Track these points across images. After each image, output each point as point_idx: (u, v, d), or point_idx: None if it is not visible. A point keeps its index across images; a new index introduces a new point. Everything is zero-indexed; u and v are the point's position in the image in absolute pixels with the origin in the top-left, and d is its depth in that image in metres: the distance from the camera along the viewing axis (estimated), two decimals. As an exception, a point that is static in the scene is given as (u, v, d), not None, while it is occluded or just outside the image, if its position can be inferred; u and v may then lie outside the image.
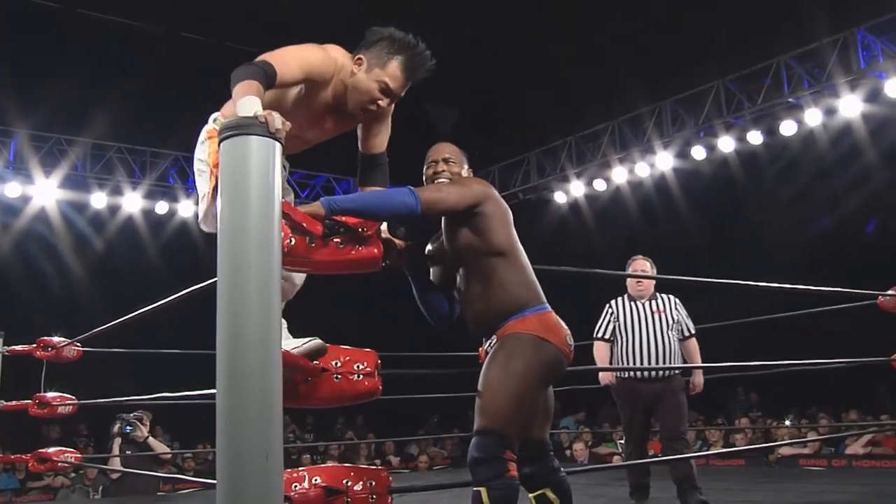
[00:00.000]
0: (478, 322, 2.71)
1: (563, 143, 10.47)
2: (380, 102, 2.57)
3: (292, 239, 2.45)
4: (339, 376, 2.46)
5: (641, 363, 4.66)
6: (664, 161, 9.22)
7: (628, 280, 4.86)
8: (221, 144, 2.01)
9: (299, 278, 2.78)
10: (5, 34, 8.23)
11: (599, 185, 10.05)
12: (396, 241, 2.65)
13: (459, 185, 2.65)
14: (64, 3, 8.54)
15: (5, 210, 9.03)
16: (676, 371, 4.64)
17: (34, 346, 4.52)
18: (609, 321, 4.86)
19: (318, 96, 2.58)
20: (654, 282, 4.84)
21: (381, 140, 2.77)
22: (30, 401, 4.42)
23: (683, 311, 4.79)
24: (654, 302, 4.78)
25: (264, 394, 1.93)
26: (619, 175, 9.71)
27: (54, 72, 8.15)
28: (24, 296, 8.93)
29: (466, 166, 2.81)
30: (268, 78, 2.32)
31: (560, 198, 10.62)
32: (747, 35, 8.32)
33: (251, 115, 2.01)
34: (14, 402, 4.61)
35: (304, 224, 2.31)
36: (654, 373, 4.64)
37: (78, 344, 4.54)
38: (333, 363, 2.47)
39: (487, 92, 11.21)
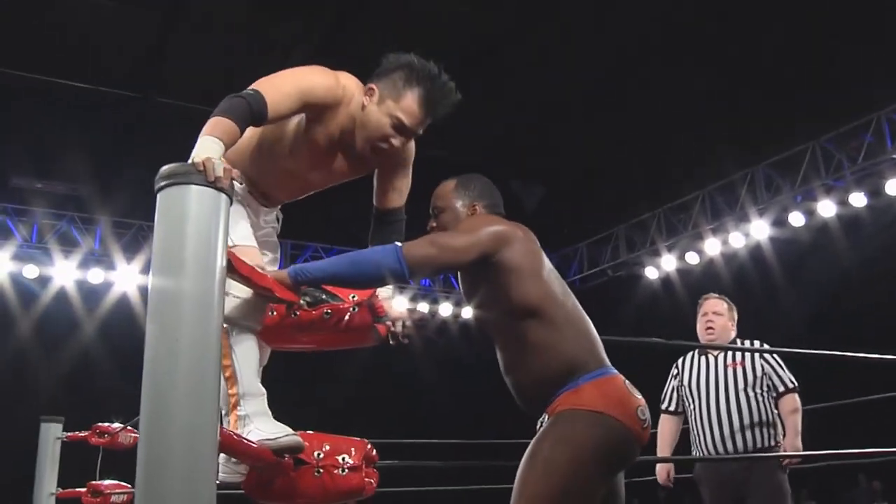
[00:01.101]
0: (522, 397, 2.18)
1: (652, 216, 10.01)
2: (392, 141, 2.20)
3: (273, 311, 2.15)
4: (321, 470, 2.10)
5: (716, 436, 3.73)
6: (759, 230, 8.61)
7: (698, 325, 4.03)
8: (158, 196, 1.75)
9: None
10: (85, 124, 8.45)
11: (692, 257, 9.48)
12: (399, 312, 2.30)
13: (462, 232, 2.12)
14: (141, 91, 8.77)
15: (88, 295, 9.15)
16: (771, 443, 3.72)
17: (90, 432, 4.40)
18: (672, 386, 4.00)
19: (322, 129, 2.22)
20: (731, 324, 3.98)
21: (399, 193, 2.41)
22: (84, 489, 4.29)
23: (775, 360, 3.84)
24: (730, 352, 3.87)
25: (190, 494, 1.60)
26: (713, 246, 9.13)
27: (132, 160, 8.32)
28: (109, 382, 8.97)
29: (466, 203, 2.28)
30: (253, 112, 1.99)
31: (651, 273, 10.08)
32: (842, 91, 7.76)
33: (191, 161, 1.75)
34: (68, 490, 4.49)
35: (274, 291, 2.00)
36: (733, 449, 3.70)
37: (133, 429, 4.39)
38: (315, 454, 2.12)
39: (572, 166, 10.91)
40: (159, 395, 1.63)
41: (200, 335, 1.67)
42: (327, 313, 2.10)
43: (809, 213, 8.33)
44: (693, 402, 3.87)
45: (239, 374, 2.06)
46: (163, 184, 1.74)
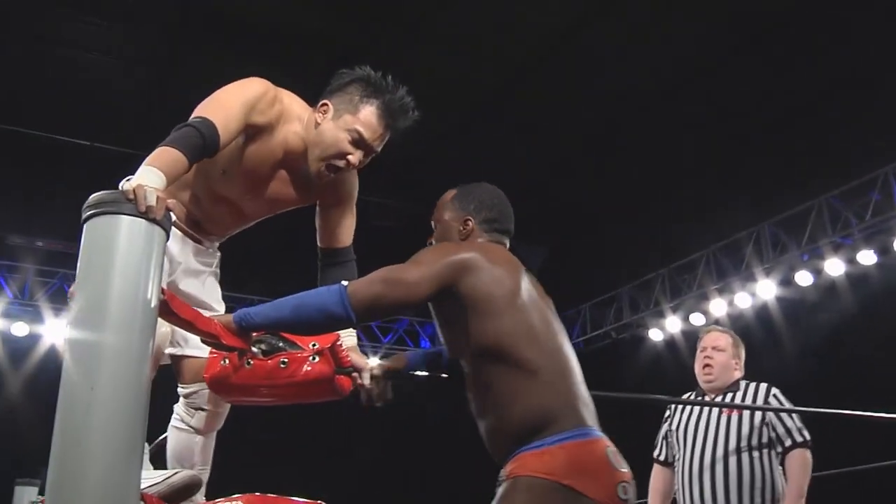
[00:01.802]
0: (490, 445, 1.87)
1: (656, 276, 9.81)
2: (350, 158, 2.07)
3: (226, 360, 1.96)
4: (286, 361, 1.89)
5: (697, 497, 3.12)
6: (766, 289, 8.39)
7: (696, 362, 3.46)
8: (84, 227, 1.57)
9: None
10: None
11: (697, 319, 9.24)
12: (364, 362, 2.09)
13: (416, 263, 1.86)
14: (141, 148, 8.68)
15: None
16: None
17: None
18: (664, 431, 3.44)
19: (260, 149, 2.06)
20: (734, 363, 3.36)
21: (346, 230, 2.27)
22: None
23: (784, 406, 3.22)
24: (727, 395, 3.25)
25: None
26: (718, 307, 8.90)
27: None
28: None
29: (459, 217, 2.07)
30: (205, 140, 1.84)
31: (655, 335, 9.83)
32: (847, 146, 7.63)
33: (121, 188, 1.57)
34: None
35: (220, 337, 1.81)
36: None
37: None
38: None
39: (573, 227, 10.77)
40: (69, 453, 1.44)
41: (123, 385, 1.48)
42: (283, 362, 1.91)
43: (817, 272, 8.11)
44: (680, 450, 3.31)
45: None
46: (90, 213, 1.57)
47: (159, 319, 1.55)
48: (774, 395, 3.27)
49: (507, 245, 2.10)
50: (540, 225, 10.97)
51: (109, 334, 1.47)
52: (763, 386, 3.32)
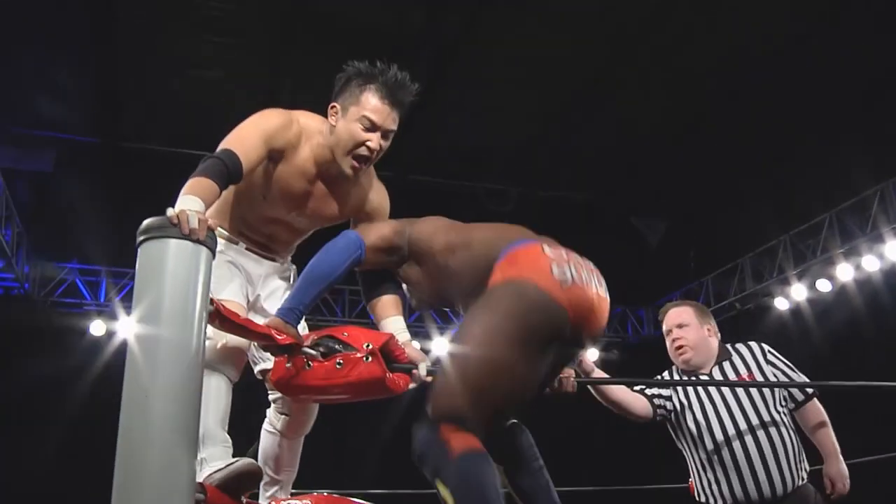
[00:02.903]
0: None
1: (778, 243, 9.50)
2: (369, 144, 2.24)
3: (290, 362, 2.14)
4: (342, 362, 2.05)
5: (736, 480, 2.87)
6: (895, 250, 7.97)
7: (668, 349, 3.18)
8: (138, 251, 1.78)
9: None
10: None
11: (823, 285, 8.88)
12: (419, 354, 2.23)
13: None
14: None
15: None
16: (803, 478, 2.89)
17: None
18: (659, 399, 3.09)
19: (291, 168, 2.27)
20: (707, 331, 3.09)
21: None
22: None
23: (783, 363, 3.02)
24: (724, 365, 3.02)
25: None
26: (845, 272, 8.52)
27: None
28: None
29: None
30: (229, 169, 2.04)
31: (781, 304, 9.50)
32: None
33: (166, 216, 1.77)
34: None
35: (273, 336, 1.99)
36: (763, 492, 2.82)
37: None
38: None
39: (691, 198, 10.56)
40: (133, 447, 1.64)
41: (173, 388, 1.67)
42: (339, 363, 2.06)
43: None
44: (694, 433, 3.01)
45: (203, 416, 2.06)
46: (142, 238, 1.77)
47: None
48: (770, 352, 3.07)
49: None
50: (658, 198, 10.84)
51: (163, 346, 1.67)
52: (754, 345, 3.11)
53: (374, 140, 2.26)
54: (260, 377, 2.42)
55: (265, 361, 2.35)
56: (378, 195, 2.47)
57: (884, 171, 8.07)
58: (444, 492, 1.73)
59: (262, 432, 2.52)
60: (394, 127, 2.29)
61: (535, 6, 7.32)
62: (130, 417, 1.61)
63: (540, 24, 7.53)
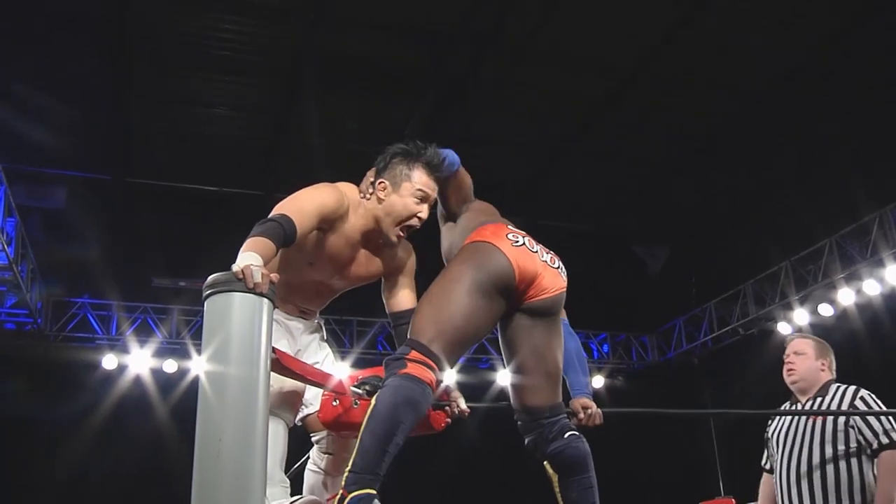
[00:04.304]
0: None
1: (779, 269, 9.65)
2: (420, 215, 2.48)
3: (336, 400, 2.26)
4: None
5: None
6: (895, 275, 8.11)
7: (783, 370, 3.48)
8: (205, 304, 1.90)
9: None
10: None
11: (825, 309, 9.02)
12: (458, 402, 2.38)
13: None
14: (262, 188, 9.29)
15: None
16: None
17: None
18: (765, 439, 3.46)
19: (339, 237, 2.48)
20: (820, 365, 3.34)
21: (409, 295, 2.65)
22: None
23: (866, 407, 3.17)
24: (817, 400, 3.23)
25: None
26: (846, 296, 8.67)
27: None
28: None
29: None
30: (286, 232, 2.21)
31: (784, 329, 9.63)
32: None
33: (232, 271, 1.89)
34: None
35: (324, 382, 2.12)
36: None
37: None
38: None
39: (693, 226, 10.71)
40: (205, 490, 1.75)
41: (244, 433, 1.79)
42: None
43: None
44: (776, 456, 3.32)
45: None
46: (209, 292, 1.90)
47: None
48: (861, 398, 3.22)
49: None
50: (660, 225, 10.99)
51: (231, 391, 1.80)
52: (851, 389, 3.28)
53: (425, 211, 2.49)
54: (299, 423, 2.57)
55: (307, 407, 2.50)
56: (411, 257, 2.68)
57: (883, 196, 8.23)
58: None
59: (307, 472, 2.66)
60: (435, 196, 2.55)
61: (537, 45, 7.53)
62: (203, 463, 1.73)
63: (543, 60, 7.73)
